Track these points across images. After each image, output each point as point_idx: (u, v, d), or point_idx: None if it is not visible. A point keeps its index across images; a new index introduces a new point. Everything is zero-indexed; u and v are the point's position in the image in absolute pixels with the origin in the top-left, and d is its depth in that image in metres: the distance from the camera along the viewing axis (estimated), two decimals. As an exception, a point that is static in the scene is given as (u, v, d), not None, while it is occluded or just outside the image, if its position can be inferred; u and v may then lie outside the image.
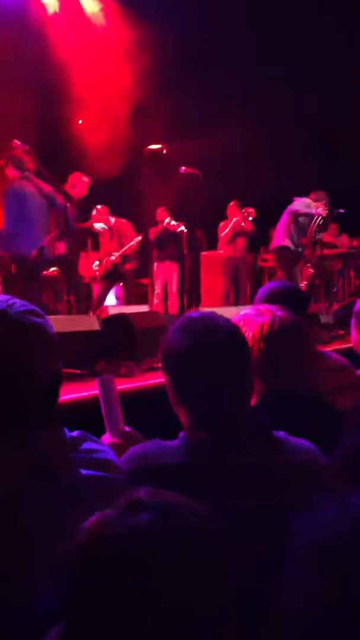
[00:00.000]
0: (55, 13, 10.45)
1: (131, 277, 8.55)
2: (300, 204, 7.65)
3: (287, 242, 7.61)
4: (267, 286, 2.72)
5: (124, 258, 8.13)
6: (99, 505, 0.97)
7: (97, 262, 8.09)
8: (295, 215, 7.63)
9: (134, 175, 8.13)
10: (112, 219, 8.10)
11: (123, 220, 8.30)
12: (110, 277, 8.12)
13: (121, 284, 8.42)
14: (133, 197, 8.18)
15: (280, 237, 7.72)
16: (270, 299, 2.36)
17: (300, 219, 7.63)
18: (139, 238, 8.13)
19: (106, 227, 7.56)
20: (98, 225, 7.40)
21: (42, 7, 10.49)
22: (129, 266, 8.31)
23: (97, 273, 8.06)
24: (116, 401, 2.12)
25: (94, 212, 8.05)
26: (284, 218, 7.69)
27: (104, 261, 8.07)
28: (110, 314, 5.39)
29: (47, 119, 9.33)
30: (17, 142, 5.66)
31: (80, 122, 9.39)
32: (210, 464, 1.46)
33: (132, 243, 8.09)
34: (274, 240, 8.01)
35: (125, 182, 8.49)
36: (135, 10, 9.50)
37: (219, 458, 1.46)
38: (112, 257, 8.03)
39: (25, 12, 10.36)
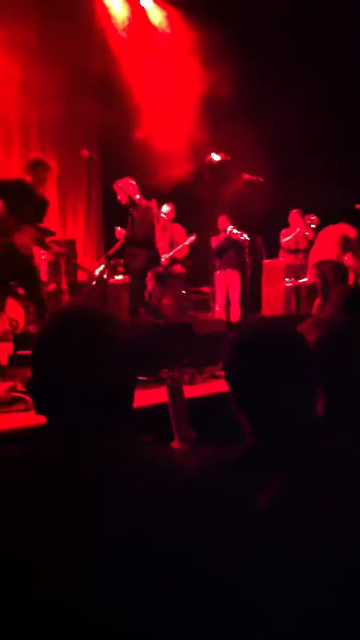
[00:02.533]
0: (123, 24, 10.66)
1: (181, 280, 8.61)
2: None
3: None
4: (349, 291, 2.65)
5: (172, 261, 8.25)
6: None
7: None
8: None
9: (196, 183, 8.20)
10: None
11: (177, 225, 8.43)
12: (160, 279, 8.23)
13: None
14: (195, 205, 8.25)
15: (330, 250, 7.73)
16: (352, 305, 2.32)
17: None
18: (192, 238, 8.21)
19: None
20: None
21: (110, 18, 10.73)
22: (177, 269, 8.40)
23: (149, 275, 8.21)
24: (183, 408, 2.16)
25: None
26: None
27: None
28: (173, 321, 5.45)
29: (111, 126, 9.50)
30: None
31: (139, 136, 9.52)
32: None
33: (180, 246, 8.19)
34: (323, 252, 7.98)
35: (188, 190, 8.56)
36: (200, 15, 9.56)
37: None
38: (162, 259, 8.18)
39: (93, 23, 10.61)
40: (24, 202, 5.60)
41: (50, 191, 9.39)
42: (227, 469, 1.44)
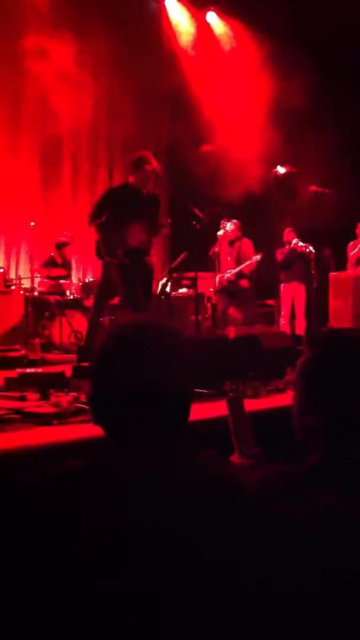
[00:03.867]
0: (190, 40, 10.79)
1: (249, 294, 8.56)
2: None
3: None
4: None
5: (239, 275, 8.22)
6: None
7: (217, 278, 8.22)
8: None
9: (263, 196, 8.16)
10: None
11: (245, 240, 8.40)
12: (226, 293, 8.21)
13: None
14: (261, 217, 8.21)
15: None
16: None
17: None
18: (257, 257, 8.17)
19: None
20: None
21: (177, 34, 10.87)
22: (244, 283, 8.35)
23: (213, 289, 8.20)
24: (245, 421, 2.12)
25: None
26: None
27: (220, 277, 8.20)
28: (238, 333, 5.40)
29: (179, 140, 9.58)
30: (154, 164, 5.83)
31: (205, 149, 9.55)
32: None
33: (245, 264, 8.16)
34: None
35: (255, 202, 8.53)
36: (266, 28, 9.56)
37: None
38: (228, 275, 8.15)
39: (162, 39, 10.76)
40: (132, 206, 5.66)
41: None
42: (290, 486, 1.39)
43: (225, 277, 8.25)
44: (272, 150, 8.66)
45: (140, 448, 1.34)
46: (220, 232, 8.17)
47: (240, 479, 1.43)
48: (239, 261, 8.33)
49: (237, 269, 8.21)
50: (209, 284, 8.20)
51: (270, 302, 9.19)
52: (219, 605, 1.18)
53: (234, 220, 8.45)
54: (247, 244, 8.46)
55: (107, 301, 6.08)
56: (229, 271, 8.23)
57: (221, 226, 8.26)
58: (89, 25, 9.48)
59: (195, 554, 1.21)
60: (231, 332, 5.55)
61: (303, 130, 8.95)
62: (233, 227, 8.42)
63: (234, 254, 8.39)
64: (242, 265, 8.20)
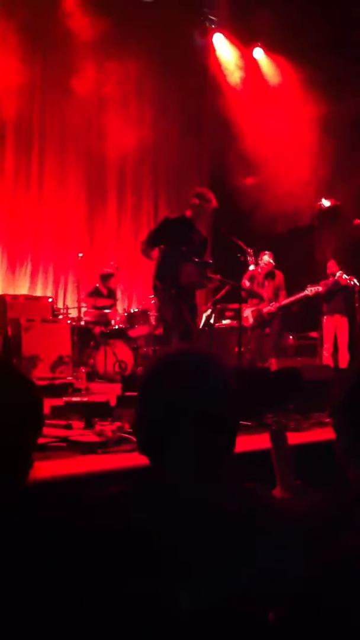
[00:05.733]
0: (235, 76, 10.97)
1: (278, 323, 8.54)
2: None
3: None
4: None
5: (280, 309, 8.23)
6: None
7: (248, 311, 8.22)
8: None
9: (306, 229, 8.18)
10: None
11: (279, 273, 8.44)
12: (261, 326, 8.21)
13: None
14: (305, 250, 8.23)
15: None
16: None
17: None
18: (314, 289, 8.12)
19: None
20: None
21: (222, 69, 11.06)
22: (278, 314, 8.38)
23: (250, 321, 8.20)
24: (288, 454, 2.13)
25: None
26: None
27: (257, 310, 8.20)
28: (279, 366, 5.40)
29: (221, 172, 9.67)
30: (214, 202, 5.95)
31: (248, 181, 9.63)
32: None
33: (302, 294, 8.12)
34: None
35: (298, 235, 8.56)
36: (311, 64, 9.64)
37: None
38: (269, 307, 8.16)
39: (207, 74, 10.95)
40: (186, 240, 5.80)
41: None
42: (335, 516, 1.40)
43: (265, 311, 8.24)
44: (316, 183, 8.70)
45: (185, 474, 1.36)
46: (252, 267, 8.21)
47: (285, 507, 1.45)
48: (275, 294, 8.33)
49: (286, 301, 8.20)
50: (247, 314, 8.25)
51: (313, 334, 9.15)
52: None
53: (268, 253, 8.47)
54: (281, 276, 8.50)
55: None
56: (271, 305, 8.23)
57: (249, 259, 8.28)
58: (136, 58, 9.70)
59: (235, 579, 1.25)
60: (273, 364, 5.55)
61: (348, 163, 8.96)
62: (269, 258, 8.44)
63: (272, 285, 8.40)
64: (291, 299, 8.18)
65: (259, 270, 8.41)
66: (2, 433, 1.36)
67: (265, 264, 8.39)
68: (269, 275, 8.46)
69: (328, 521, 1.41)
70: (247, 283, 8.22)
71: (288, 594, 1.22)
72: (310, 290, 8.11)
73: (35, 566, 1.24)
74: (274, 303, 8.25)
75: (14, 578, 1.23)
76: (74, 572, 1.25)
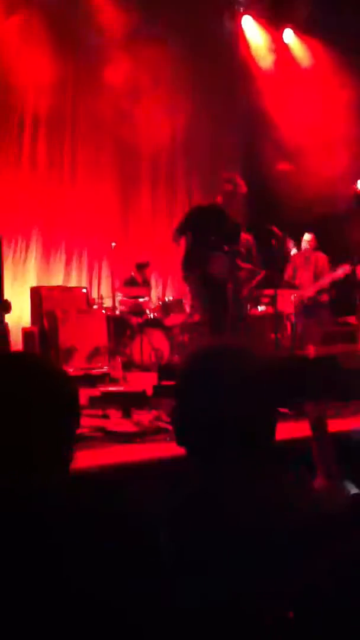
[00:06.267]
0: (266, 58, 10.84)
1: (328, 309, 8.38)
2: None
3: None
4: None
5: (319, 291, 8.06)
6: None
7: (293, 296, 8.10)
8: None
9: (342, 214, 8.05)
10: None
11: (321, 254, 8.25)
12: (305, 311, 8.07)
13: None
14: (341, 235, 8.10)
15: None
16: None
17: None
18: (343, 269, 7.96)
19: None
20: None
21: (252, 54, 10.93)
22: (324, 298, 8.19)
23: (294, 307, 8.08)
24: (328, 442, 2.10)
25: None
26: None
27: (298, 295, 8.07)
28: (318, 353, 5.34)
29: (254, 158, 9.58)
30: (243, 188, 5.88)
31: (281, 167, 9.51)
32: None
33: (335, 273, 7.95)
34: None
35: (333, 221, 8.42)
36: (345, 46, 9.46)
37: None
38: (309, 291, 8.03)
39: (237, 57, 10.85)
40: (216, 228, 5.73)
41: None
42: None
43: (305, 294, 8.10)
44: (352, 167, 8.55)
45: (224, 467, 1.36)
46: (294, 251, 8.08)
47: (325, 508, 1.42)
48: (316, 276, 8.17)
49: (319, 285, 8.03)
50: (288, 301, 8.11)
51: (351, 319, 9.01)
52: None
53: (309, 234, 8.31)
54: (322, 258, 8.31)
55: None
56: (309, 287, 8.09)
57: (288, 245, 8.14)
58: (166, 47, 9.64)
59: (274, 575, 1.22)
60: (311, 351, 5.49)
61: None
62: (310, 237, 8.26)
63: (311, 269, 8.25)
64: (323, 280, 8.01)
65: (299, 253, 8.28)
66: (41, 426, 1.36)
67: (304, 248, 8.24)
68: (308, 258, 8.31)
69: None
70: (291, 269, 8.12)
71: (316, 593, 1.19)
72: (340, 271, 7.93)
73: (80, 556, 1.24)
74: (311, 287, 8.09)
75: (60, 567, 1.23)
76: (114, 565, 1.25)
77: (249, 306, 7.69)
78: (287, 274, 8.39)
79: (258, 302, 8.31)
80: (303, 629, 1.16)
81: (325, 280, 7.99)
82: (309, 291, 8.07)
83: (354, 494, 1.76)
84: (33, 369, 1.43)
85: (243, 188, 5.88)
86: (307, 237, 8.20)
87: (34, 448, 1.33)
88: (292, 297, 8.10)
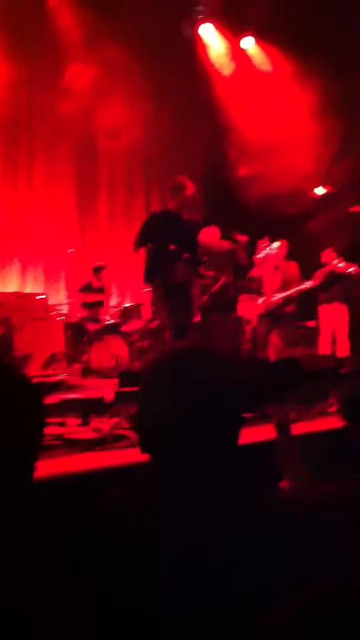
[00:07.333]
0: (224, 64, 10.91)
1: (291, 318, 8.40)
2: None
3: None
4: None
5: (286, 300, 8.05)
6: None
7: (260, 300, 8.09)
8: None
9: (301, 217, 8.11)
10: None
11: (292, 263, 8.24)
12: (270, 317, 8.06)
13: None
14: (300, 238, 8.14)
15: None
16: None
17: None
18: (310, 283, 7.99)
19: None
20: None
21: (211, 60, 11.01)
22: (290, 308, 8.19)
23: (259, 314, 8.07)
24: (293, 445, 2.10)
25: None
26: None
27: (265, 301, 8.05)
28: (279, 356, 5.35)
29: (215, 164, 9.61)
30: (191, 189, 5.83)
31: (243, 172, 9.57)
32: None
33: (299, 288, 7.97)
34: None
35: (293, 224, 8.48)
36: (302, 50, 9.57)
37: None
38: (275, 298, 8.00)
39: (197, 66, 10.89)
40: (174, 235, 5.66)
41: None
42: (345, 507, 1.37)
43: (272, 301, 8.04)
44: (310, 171, 8.64)
45: (186, 473, 1.34)
46: (260, 255, 8.06)
47: (292, 504, 1.40)
48: (284, 284, 8.10)
49: (287, 293, 7.99)
50: (249, 306, 8.10)
51: (310, 323, 9.07)
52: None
53: (280, 241, 8.25)
54: (293, 266, 8.23)
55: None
56: (276, 295, 8.03)
57: (258, 248, 8.13)
58: (125, 51, 9.60)
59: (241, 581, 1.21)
60: (272, 355, 5.50)
61: (342, 150, 8.90)
62: (279, 246, 8.17)
63: (279, 276, 8.17)
64: (292, 290, 7.97)
65: (269, 258, 8.23)
66: (6, 435, 1.34)
67: (274, 254, 8.18)
68: (277, 265, 8.22)
69: (341, 515, 1.37)
70: (256, 272, 8.06)
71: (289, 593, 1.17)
72: (308, 283, 7.98)
73: (39, 565, 1.22)
74: (278, 294, 8.03)
75: (20, 578, 1.20)
76: (77, 571, 1.25)
77: (210, 312, 7.65)
78: (253, 275, 8.30)
79: (219, 308, 8.29)
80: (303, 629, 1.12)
81: (292, 292, 7.96)
82: (276, 299, 8.02)
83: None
84: None
85: (190, 190, 5.83)
86: (275, 244, 8.15)
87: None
88: (260, 302, 8.08)
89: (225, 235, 6.31)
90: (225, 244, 6.35)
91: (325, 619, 1.10)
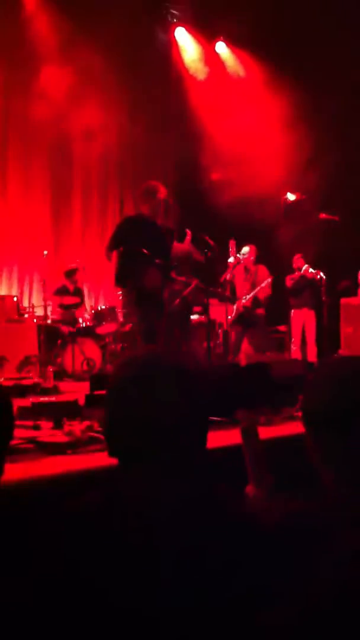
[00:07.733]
0: (199, 69, 10.95)
1: (263, 323, 8.47)
2: None
3: None
4: None
5: (255, 302, 8.12)
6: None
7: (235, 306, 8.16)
8: None
9: (272, 223, 8.17)
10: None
11: (261, 266, 8.31)
12: (241, 321, 8.12)
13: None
14: (271, 244, 8.21)
15: None
16: None
17: None
18: (269, 280, 8.07)
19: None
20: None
21: (185, 66, 11.03)
22: (260, 311, 8.26)
23: (230, 317, 8.12)
24: (259, 450, 2.12)
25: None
26: None
27: (237, 305, 8.12)
28: (248, 361, 5.40)
29: (187, 169, 9.63)
30: (163, 193, 5.85)
31: (215, 177, 9.62)
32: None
33: (261, 286, 8.05)
34: None
35: (264, 229, 8.55)
36: (275, 57, 9.64)
37: None
38: (244, 300, 8.07)
39: (170, 71, 10.91)
40: (146, 240, 5.65)
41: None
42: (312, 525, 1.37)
43: (241, 304, 8.13)
44: (282, 176, 8.71)
45: (151, 478, 1.35)
46: (231, 259, 8.13)
47: (258, 519, 1.41)
48: (254, 287, 8.20)
49: (252, 294, 8.08)
50: (220, 310, 8.17)
51: (281, 328, 9.17)
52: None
53: (249, 245, 8.31)
54: (262, 270, 8.30)
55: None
56: (244, 297, 8.11)
57: (230, 252, 8.18)
58: (98, 56, 9.61)
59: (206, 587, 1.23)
60: (242, 360, 5.54)
61: (314, 156, 8.99)
62: (248, 250, 8.24)
63: (250, 280, 8.26)
64: (257, 289, 8.07)
65: (239, 262, 8.29)
66: None
67: (243, 257, 8.24)
68: (248, 269, 8.29)
69: (303, 535, 1.37)
70: (228, 276, 8.10)
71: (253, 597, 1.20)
72: (264, 283, 8.02)
73: (13, 567, 1.24)
74: (248, 297, 8.12)
75: None
76: (52, 577, 1.25)
77: (181, 316, 7.69)
78: (224, 279, 8.34)
79: (190, 312, 8.34)
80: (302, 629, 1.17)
81: (257, 291, 8.05)
82: (245, 301, 8.12)
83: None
84: None
85: (162, 194, 5.85)
86: (245, 249, 8.21)
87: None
88: (235, 307, 8.14)
89: (196, 240, 6.36)
90: (193, 251, 6.40)
91: (325, 619, 1.15)
